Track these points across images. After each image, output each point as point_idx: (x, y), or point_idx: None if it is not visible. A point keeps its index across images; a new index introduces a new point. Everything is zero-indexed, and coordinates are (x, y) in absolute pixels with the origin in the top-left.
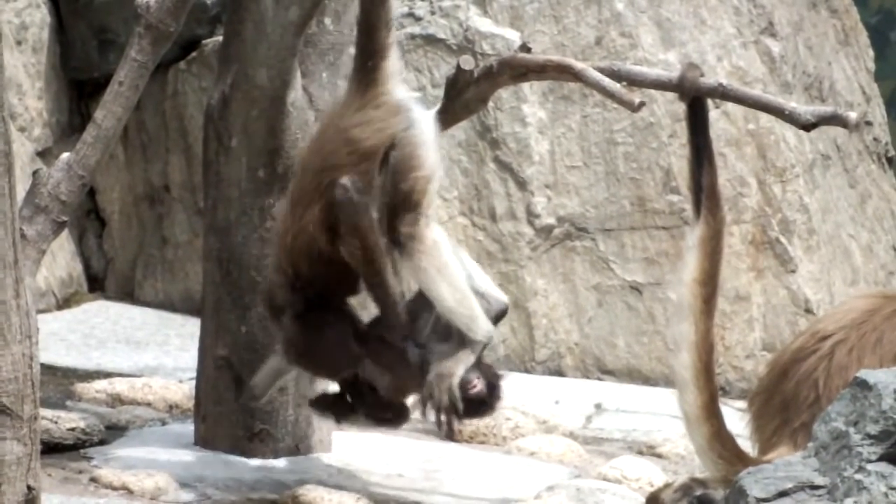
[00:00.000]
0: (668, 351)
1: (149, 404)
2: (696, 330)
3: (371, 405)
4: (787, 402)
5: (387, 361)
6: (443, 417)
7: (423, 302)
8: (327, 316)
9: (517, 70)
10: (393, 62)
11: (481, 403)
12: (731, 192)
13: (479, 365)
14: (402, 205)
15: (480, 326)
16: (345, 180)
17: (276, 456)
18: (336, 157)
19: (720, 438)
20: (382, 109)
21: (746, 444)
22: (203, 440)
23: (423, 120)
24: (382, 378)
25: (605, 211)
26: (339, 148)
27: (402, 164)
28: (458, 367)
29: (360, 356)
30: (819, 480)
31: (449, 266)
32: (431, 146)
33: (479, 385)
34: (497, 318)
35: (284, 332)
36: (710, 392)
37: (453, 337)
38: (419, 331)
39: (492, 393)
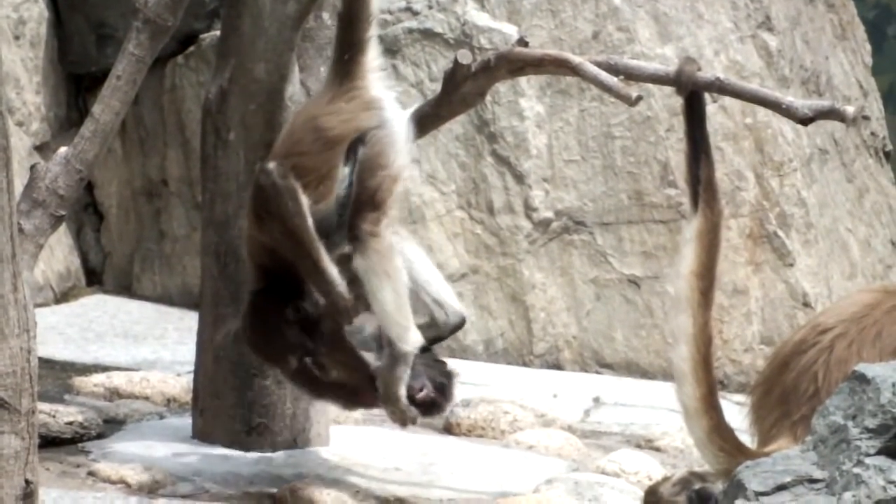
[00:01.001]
0: (667, 344)
1: (147, 398)
2: (694, 322)
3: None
4: (786, 394)
5: (335, 356)
6: (397, 424)
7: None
8: (278, 304)
9: (515, 64)
10: (371, 57)
11: (432, 404)
12: (728, 186)
13: (430, 363)
14: (366, 202)
15: (411, 338)
16: (269, 164)
17: (274, 450)
18: (301, 145)
19: (719, 431)
20: (354, 103)
21: (746, 438)
22: (201, 434)
23: (396, 119)
24: (330, 371)
25: (602, 205)
26: (306, 135)
27: (370, 161)
28: (398, 383)
29: (305, 347)
30: (818, 474)
31: (398, 272)
32: (402, 146)
33: (425, 390)
34: (453, 329)
35: (242, 317)
36: (709, 384)
37: (382, 342)
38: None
39: (442, 393)
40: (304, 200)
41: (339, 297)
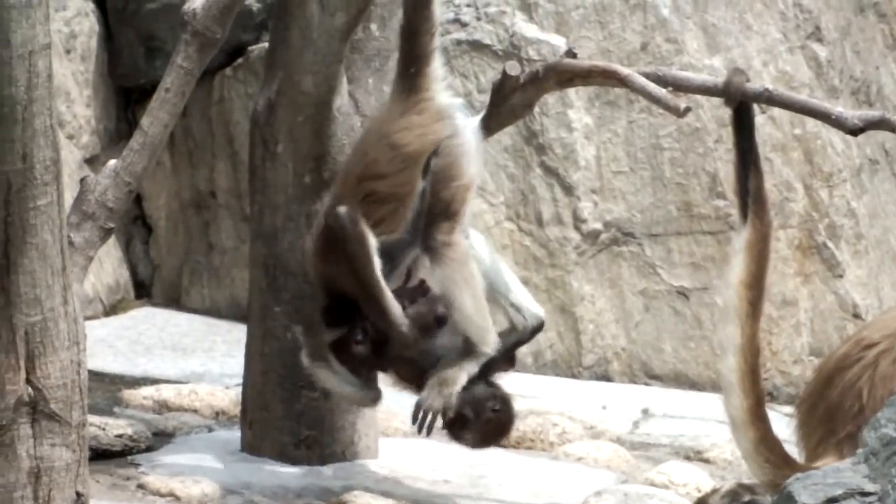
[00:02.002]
0: (715, 356)
1: (195, 411)
2: (743, 333)
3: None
4: (831, 411)
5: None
6: (426, 416)
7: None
8: (344, 321)
9: (563, 75)
10: (436, 68)
11: (463, 424)
12: (777, 197)
13: (497, 395)
14: (441, 213)
15: (491, 340)
16: (341, 209)
17: (322, 462)
18: (378, 165)
19: (766, 442)
20: (425, 115)
21: (794, 450)
22: (249, 447)
23: (468, 128)
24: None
25: (651, 216)
26: (381, 154)
27: (443, 171)
28: (461, 375)
29: (372, 362)
30: (869, 487)
31: (475, 277)
32: (474, 155)
33: (498, 411)
34: (533, 331)
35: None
36: (757, 396)
37: (461, 346)
38: (428, 340)
39: (500, 424)
40: (373, 245)
41: (403, 336)
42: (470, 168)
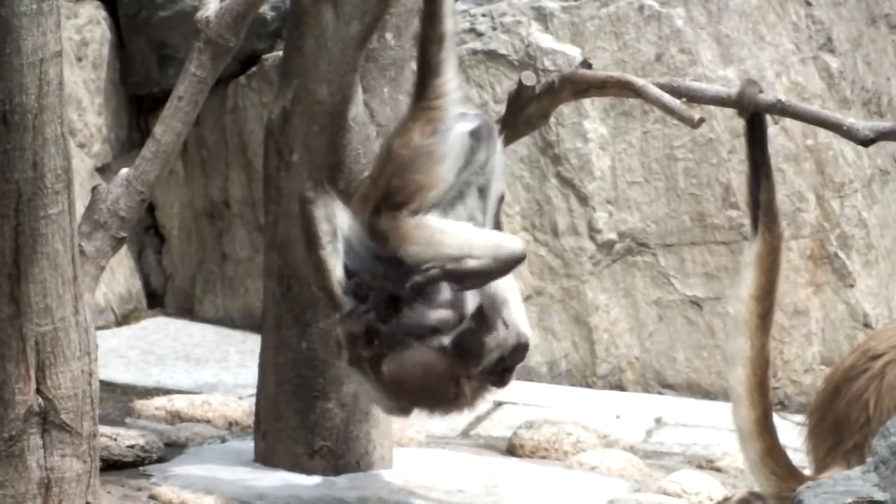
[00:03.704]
0: (726, 366)
1: (208, 421)
2: (752, 345)
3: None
4: (839, 422)
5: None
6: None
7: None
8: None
9: (578, 86)
10: (447, 80)
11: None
12: (789, 208)
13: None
14: (385, 199)
15: (507, 245)
16: (307, 189)
17: (336, 473)
18: (374, 169)
19: (773, 454)
20: (419, 122)
21: (805, 460)
22: (263, 457)
23: (452, 131)
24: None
25: (665, 226)
26: (379, 159)
27: (406, 162)
28: (516, 312)
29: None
30: (879, 496)
31: (440, 228)
32: (447, 161)
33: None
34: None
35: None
36: (765, 407)
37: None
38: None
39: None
40: (324, 227)
41: (345, 325)
42: (434, 168)
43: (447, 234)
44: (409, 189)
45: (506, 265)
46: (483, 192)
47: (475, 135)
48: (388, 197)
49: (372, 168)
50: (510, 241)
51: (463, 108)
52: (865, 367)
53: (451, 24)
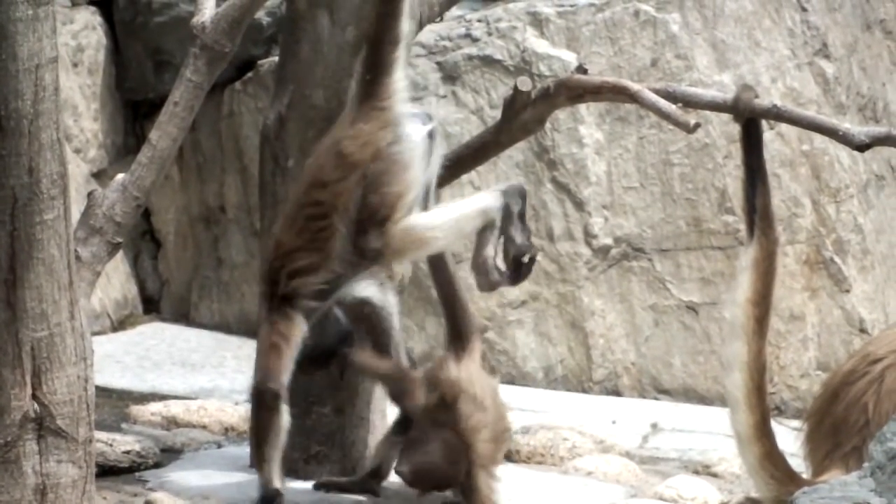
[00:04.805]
0: (723, 370)
1: (204, 427)
2: (749, 350)
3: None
4: (837, 425)
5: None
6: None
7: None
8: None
9: (574, 91)
10: (397, 79)
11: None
12: (785, 213)
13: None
14: (367, 219)
15: (484, 204)
16: (268, 386)
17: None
18: (324, 172)
19: (771, 459)
20: (372, 123)
21: (802, 465)
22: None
23: (412, 135)
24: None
25: (661, 231)
26: (328, 162)
27: (376, 178)
28: (487, 248)
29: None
30: (875, 501)
31: (426, 225)
32: (414, 163)
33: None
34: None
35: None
36: (762, 412)
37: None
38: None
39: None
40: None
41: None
42: (404, 175)
43: (435, 227)
44: (388, 202)
45: (502, 216)
46: (429, 183)
47: (431, 135)
48: (370, 216)
49: (315, 168)
50: (487, 199)
51: (409, 106)
52: (865, 371)
53: (407, 25)
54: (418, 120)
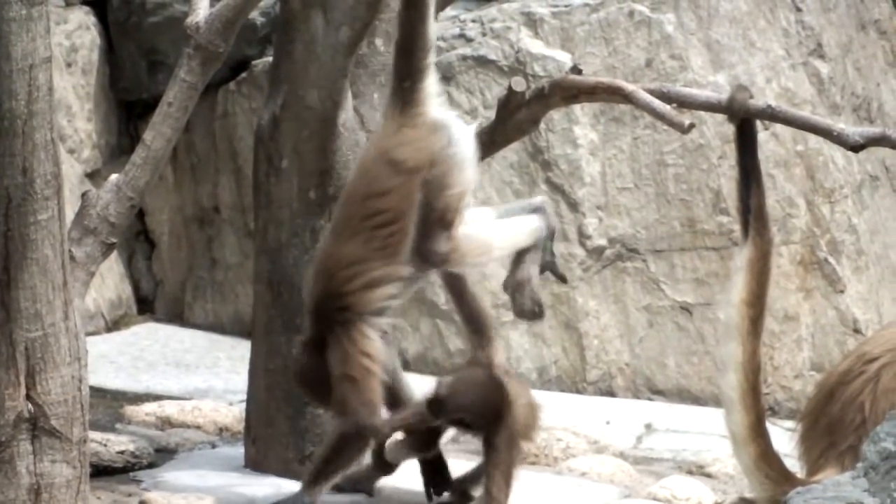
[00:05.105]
0: (718, 371)
1: (199, 427)
2: (744, 350)
3: None
4: (833, 424)
5: None
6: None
7: None
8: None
9: (568, 92)
10: (431, 83)
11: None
12: (779, 213)
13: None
14: (435, 223)
15: (535, 224)
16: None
17: None
18: (380, 181)
19: (767, 458)
20: (420, 128)
21: (795, 465)
22: (253, 463)
23: (462, 137)
24: None
25: (655, 232)
26: (381, 171)
27: (437, 182)
28: (532, 269)
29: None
30: (868, 501)
31: (485, 239)
32: (468, 163)
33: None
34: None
35: (296, 356)
36: (757, 412)
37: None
38: None
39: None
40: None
41: None
42: (463, 176)
43: (496, 236)
44: (452, 205)
45: (543, 239)
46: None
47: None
48: (438, 219)
49: (370, 179)
50: (535, 220)
51: (446, 109)
52: (861, 370)
53: (435, 29)
54: (461, 120)
